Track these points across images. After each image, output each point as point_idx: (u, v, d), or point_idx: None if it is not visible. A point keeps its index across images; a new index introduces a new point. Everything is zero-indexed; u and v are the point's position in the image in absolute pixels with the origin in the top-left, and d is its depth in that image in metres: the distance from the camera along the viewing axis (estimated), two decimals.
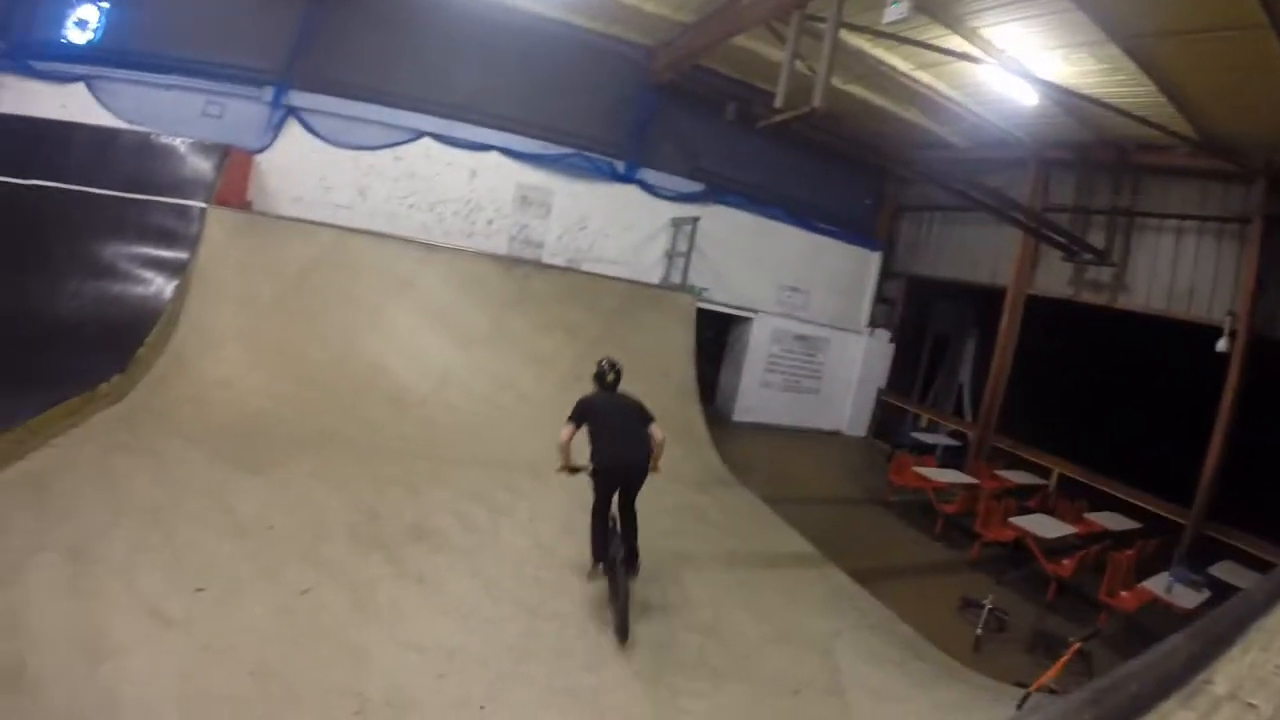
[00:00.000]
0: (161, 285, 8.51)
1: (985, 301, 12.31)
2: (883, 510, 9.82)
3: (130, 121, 9.97)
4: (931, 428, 12.87)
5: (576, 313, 9.74)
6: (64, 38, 10.63)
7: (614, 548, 5.39)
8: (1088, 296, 10.32)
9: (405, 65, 10.51)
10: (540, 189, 10.84)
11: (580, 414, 5.39)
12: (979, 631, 6.35)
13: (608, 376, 5.56)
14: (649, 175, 11.34)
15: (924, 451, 11.85)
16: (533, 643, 4.86)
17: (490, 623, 5.00)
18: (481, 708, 4.19)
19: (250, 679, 4.05)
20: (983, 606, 6.55)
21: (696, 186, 11.59)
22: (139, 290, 8.49)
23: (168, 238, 8.80)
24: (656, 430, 5.48)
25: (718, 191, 11.73)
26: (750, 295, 12.07)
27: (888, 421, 13.36)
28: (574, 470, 5.34)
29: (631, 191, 11.28)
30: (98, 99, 10.15)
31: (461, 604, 5.15)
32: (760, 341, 12.18)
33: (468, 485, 7.11)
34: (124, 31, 10.46)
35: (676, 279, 11.16)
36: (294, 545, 5.42)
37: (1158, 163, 9.52)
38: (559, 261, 10.81)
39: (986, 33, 8.10)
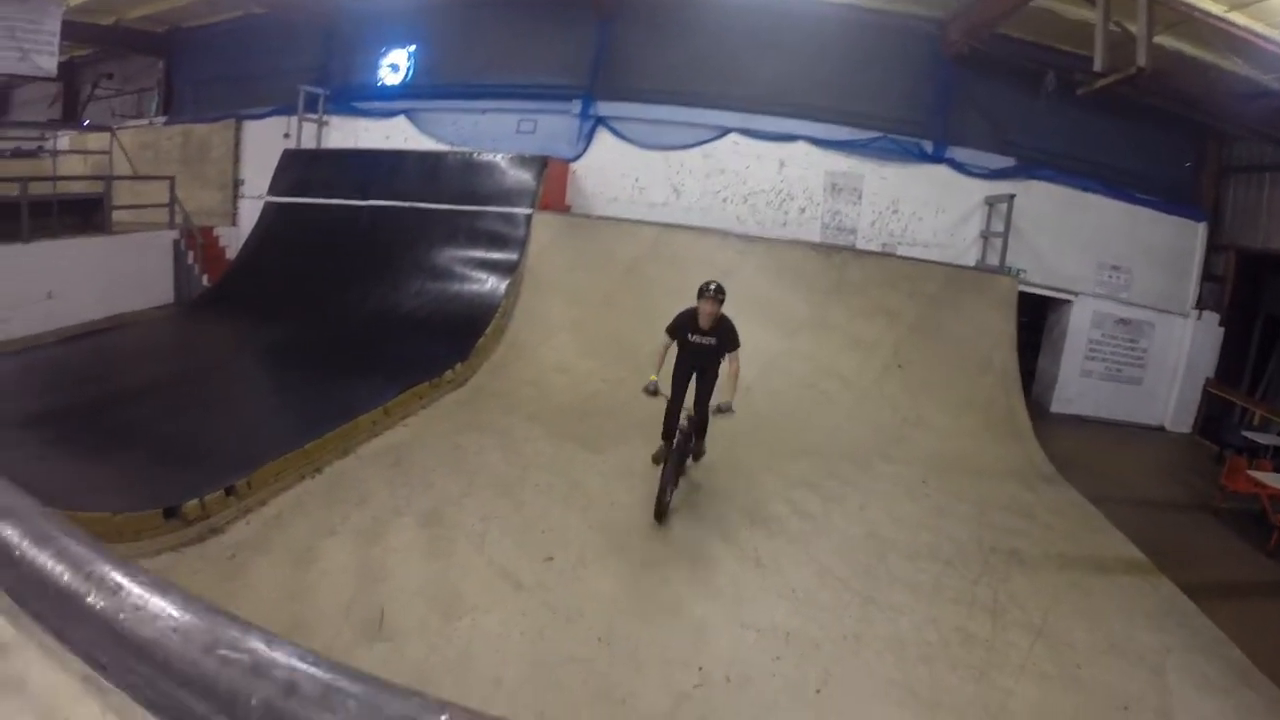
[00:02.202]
0: (496, 284, 9.44)
1: None
2: (1211, 518, 8.64)
3: (451, 144, 11.23)
4: (1265, 425, 11.16)
5: (895, 298, 9.61)
6: (379, 80, 12.33)
7: (682, 432, 5.67)
8: None
9: (702, 66, 11.03)
10: (849, 175, 10.84)
11: (676, 327, 5.84)
12: None
13: (708, 293, 5.73)
14: (958, 153, 10.92)
15: (1256, 453, 10.31)
16: (867, 631, 4.81)
17: (826, 609, 5.00)
18: (817, 692, 4.18)
19: (597, 644, 4.25)
20: None
21: (1008, 161, 10.96)
22: (475, 288, 9.47)
23: (498, 242, 9.74)
24: (733, 360, 5.73)
25: (1030, 165, 11.00)
26: (1069, 275, 11.23)
27: (1215, 417, 11.78)
28: (654, 392, 5.67)
29: (941, 171, 10.93)
30: (418, 128, 11.57)
31: (797, 588, 5.20)
32: (1080, 326, 11.29)
33: (798, 472, 7.19)
34: (434, 67, 11.96)
35: (994, 260, 10.61)
36: (637, 523, 5.65)
37: None
38: (873, 247, 10.76)
39: None
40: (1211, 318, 11.92)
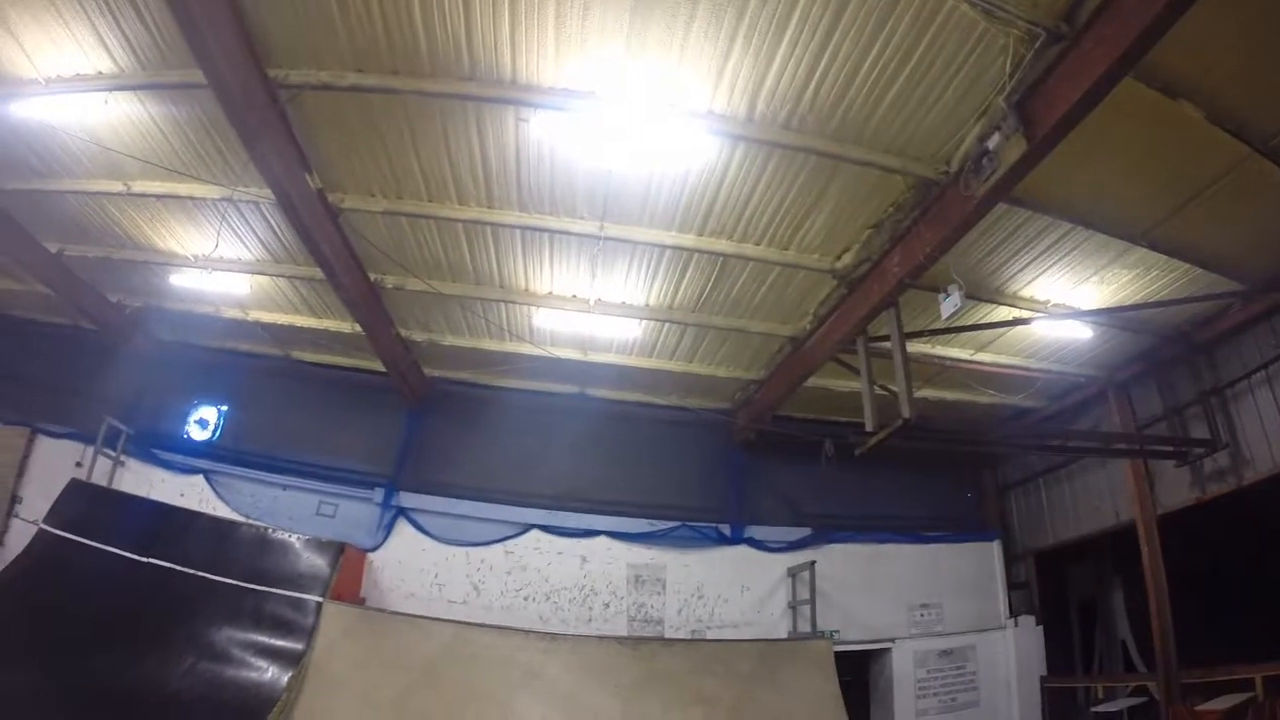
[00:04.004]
0: (276, 674, 8.57)
1: (1119, 545, 11.64)
2: None
3: (246, 516, 10.64)
4: (1110, 695, 11.42)
5: (710, 683, 9.34)
6: (185, 433, 11.78)
7: None
8: (1214, 489, 9.66)
9: (504, 462, 11.39)
10: (652, 565, 11.12)
11: None
12: None
13: None
14: (756, 531, 11.61)
15: None
16: None
17: None
18: None
19: None
20: None
21: (804, 531, 11.76)
22: (253, 676, 8.57)
23: (284, 628, 8.99)
24: None
25: (825, 531, 11.84)
26: (882, 625, 11.56)
27: (1060, 707, 11.92)
28: None
29: (742, 551, 11.44)
30: (216, 492, 11.04)
31: None
32: (904, 670, 11.39)
33: None
34: (241, 433, 11.77)
35: (805, 628, 10.78)
36: None
37: (1221, 329, 9.46)
38: (682, 634, 10.71)
39: (1027, 292, 8.84)
40: (1028, 620, 12.43)
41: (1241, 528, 11.10)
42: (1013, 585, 12.73)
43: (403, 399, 11.68)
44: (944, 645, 11.73)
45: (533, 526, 10.96)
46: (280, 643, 8.91)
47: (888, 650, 11.45)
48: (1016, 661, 11.98)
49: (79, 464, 11.04)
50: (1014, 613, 12.48)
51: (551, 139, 6.89)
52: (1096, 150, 6.43)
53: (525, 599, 10.62)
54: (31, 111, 7.47)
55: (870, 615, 11.43)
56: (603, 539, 11.01)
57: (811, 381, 10.28)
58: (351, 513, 10.98)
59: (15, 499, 11.26)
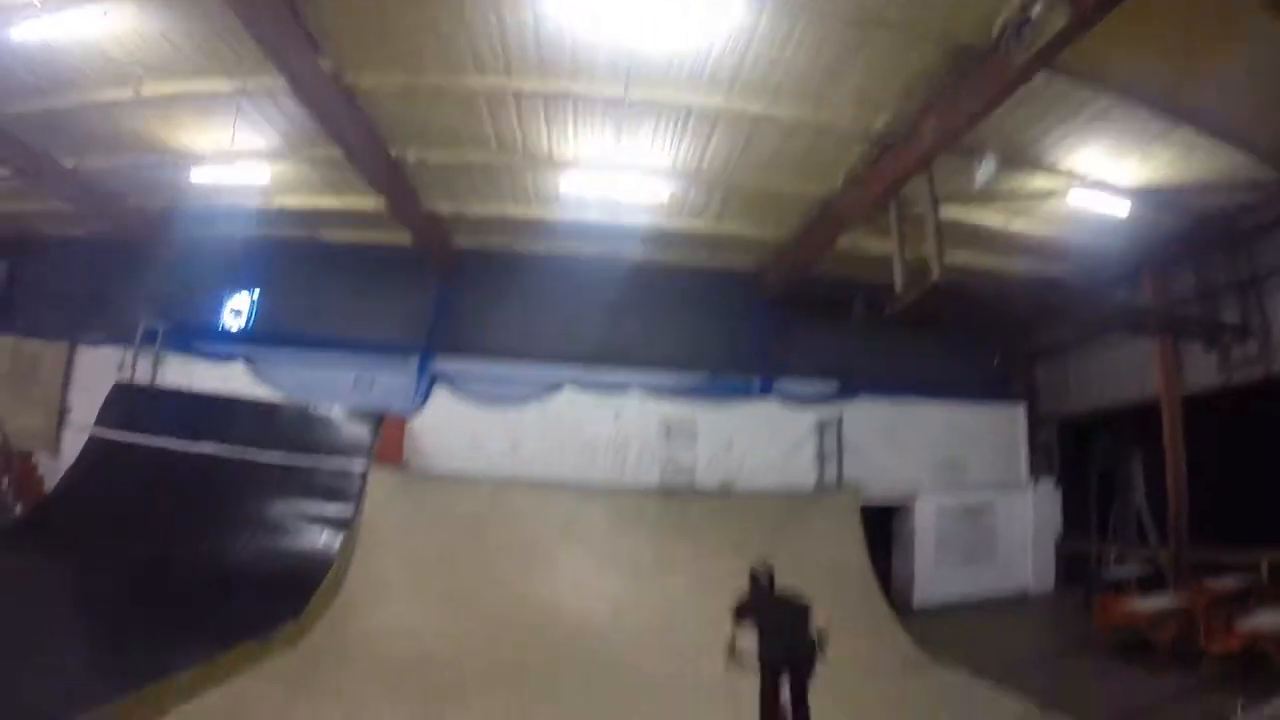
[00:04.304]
0: (329, 539, 9.20)
1: (1141, 420, 11.69)
2: (1099, 657, 8.98)
3: (288, 394, 11.06)
4: (1121, 562, 11.90)
5: (739, 533, 9.78)
6: (221, 323, 12.13)
7: None
8: (1241, 375, 9.79)
9: (538, 323, 11.63)
10: (683, 419, 11.43)
11: (741, 612, 5.83)
12: None
13: (762, 580, 6.00)
14: (784, 385, 11.80)
15: (1121, 588, 10.96)
16: None
17: None
18: None
19: None
20: None
21: (832, 386, 11.85)
22: (308, 543, 9.23)
23: (333, 496, 9.61)
24: (819, 617, 5.61)
25: (853, 387, 11.91)
26: (907, 480, 11.93)
27: (1074, 568, 12.41)
28: (742, 663, 5.60)
29: (771, 405, 11.71)
30: (256, 375, 11.45)
31: None
32: (926, 523, 11.87)
33: (656, 715, 7.01)
34: (275, 317, 12.11)
35: (832, 480, 11.15)
36: None
37: (1262, 220, 9.30)
38: (712, 485, 11.13)
39: (1065, 164, 8.58)
40: (1048, 483, 12.79)
41: (1263, 417, 11.21)
42: (1035, 449, 13.00)
43: (433, 270, 11.84)
44: (965, 502, 12.14)
45: (566, 384, 11.26)
46: (331, 510, 9.49)
47: (911, 504, 11.88)
48: (1035, 521, 12.46)
49: (120, 367, 11.50)
50: (1035, 475, 12.81)
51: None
52: (1143, 22, 5.99)
53: (561, 453, 11.03)
54: (31, 34, 7.30)
55: (895, 470, 11.77)
56: (635, 394, 11.28)
57: (842, 242, 10.18)
58: (389, 381, 11.37)
59: (65, 410, 11.86)
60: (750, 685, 5.42)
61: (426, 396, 11.24)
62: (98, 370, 11.46)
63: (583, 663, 7.94)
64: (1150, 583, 11.02)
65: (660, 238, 11.16)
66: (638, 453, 11.24)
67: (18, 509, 10.76)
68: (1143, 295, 10.92)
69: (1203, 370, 10.33)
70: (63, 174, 10.15)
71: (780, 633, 5.60)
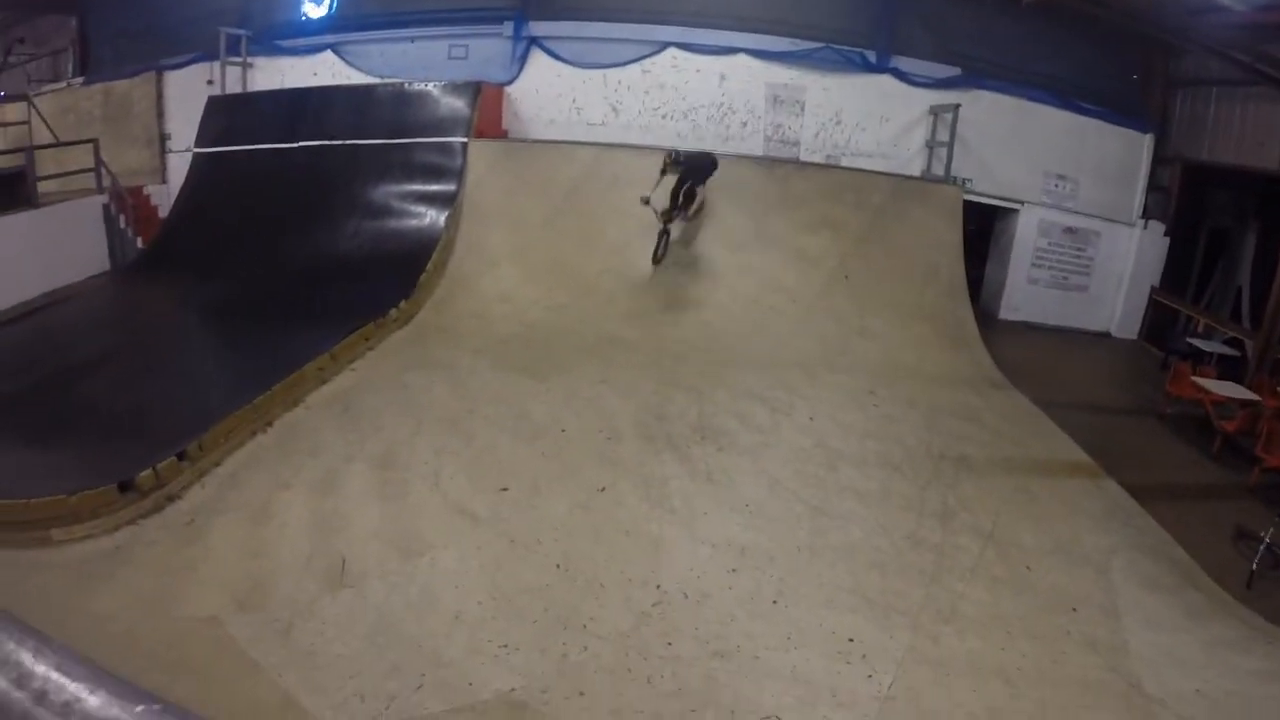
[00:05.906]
0: (435, 217, 9.20)
1: (1269, 192, 10.69)
2: (1156, 422, 8.81)
3: (381, 76, 10.77)
4: (1208, 333, 11.45)
5: (840, 210, 9.46)
6: (303, 15, 11.68)
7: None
8: None
9: None
10: (791, 87, 10.65)
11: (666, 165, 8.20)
12: (1254, 567, 5.52)
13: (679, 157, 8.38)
14: (902, 63, 10.72)
15: (1200, 359, 10.69)
16: (820, 541, 4.86)
17: (778, 521, 5.05)
18: (774, 603, 4.25)
19: (556, 571, 4.28)
20: (1260, 540, 5.65)
21: (953, 71, 10.77)
22: (414, 223, 9.23)
23: (434, 173, 9.46)
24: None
25: (975, 75, 10.85)
26: (1015, 185, 11.14)
27: (1160, 324, 12.00)
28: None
29: (885, 81, 10.74)
30: (346, 62, 11.11)
31: (750, 502, 5.22)
32: (1027, 234, 11.27)
33: (746, 386, 7.17)
34: None
35: (939, 170, 10.49)
36: (588, 446, 5.66)
37: None
38: (817, 159, 10.62)
39: None
40: (1157, 228, 12.01)
41: None
42: (1153, 187, 12.00)
43: None
44: (1071, 223, 11.45)
45: (669, 44, 10.49)
46: (434, 187, 9.32)
47: (1015, 211, 11.23)
48: (1135, 263, 11.78)
49: (210, 82, 11.36)
50: (1146, 215, 12.00)
51: None
52: None
53: (663, 118, 10.60)
54: None
55: (1005, 171, 10.98)
56: (742, 57, 10.49)
57: None
58: (483, 50, 10.80)
59: (165, 138, 11.89)
60: None
61: (523, 62, 10.80)
62: (188, 91, 11.43)
63: (677, 338, 8.04)
64: (1232, 365, 10.51)
65: None
66: (742, 120, 10.64)
67: (139, 242, 11.09)
68: None
69: None
70: None
71: (693, 161, 8.15)
